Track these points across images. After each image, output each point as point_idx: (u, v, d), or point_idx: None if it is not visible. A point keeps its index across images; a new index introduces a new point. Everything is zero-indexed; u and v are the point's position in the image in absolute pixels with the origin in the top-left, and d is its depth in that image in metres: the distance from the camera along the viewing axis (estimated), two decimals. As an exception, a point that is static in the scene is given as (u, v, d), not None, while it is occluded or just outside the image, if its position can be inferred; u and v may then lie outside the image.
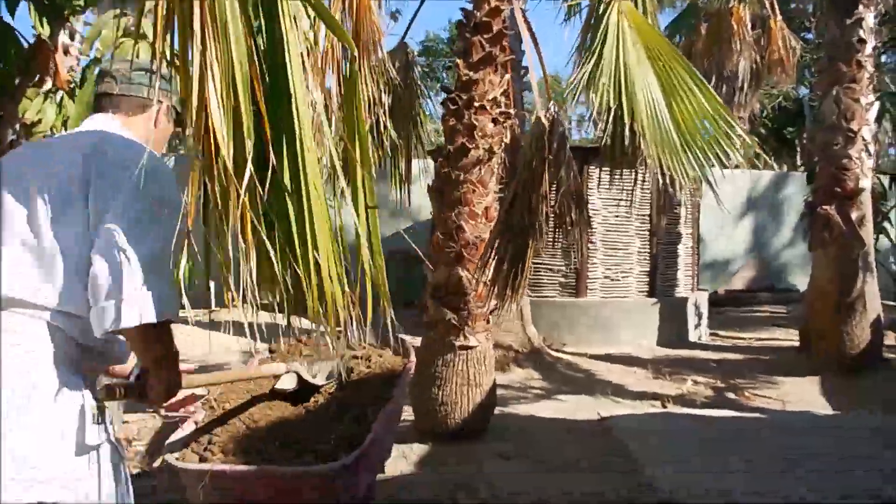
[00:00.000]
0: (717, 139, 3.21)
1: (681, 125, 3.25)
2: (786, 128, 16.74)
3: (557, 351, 7.38)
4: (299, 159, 1.34)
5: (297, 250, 1.34)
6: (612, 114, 3.39)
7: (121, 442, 1.70)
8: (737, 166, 3.54)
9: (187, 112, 1.21)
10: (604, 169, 6.43)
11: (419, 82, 4.30)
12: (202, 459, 2.37)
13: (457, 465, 3.83)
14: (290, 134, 1.27)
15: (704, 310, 8.63)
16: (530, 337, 7.14)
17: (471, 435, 4.14)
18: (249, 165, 1.22)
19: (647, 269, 8.10)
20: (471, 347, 4.06)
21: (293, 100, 1.26)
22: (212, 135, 1.11)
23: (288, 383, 2.55)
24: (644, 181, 4.30)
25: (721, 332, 8.76)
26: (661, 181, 3.69)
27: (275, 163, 1.21)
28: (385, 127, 3.09)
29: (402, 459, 4.00)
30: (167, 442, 2.43)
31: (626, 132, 3.30)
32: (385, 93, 2.88)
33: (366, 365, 3.06)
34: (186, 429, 2.49)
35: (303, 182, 1.36)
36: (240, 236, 1.32)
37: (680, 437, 4.38)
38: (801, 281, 12.14)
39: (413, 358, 3.11)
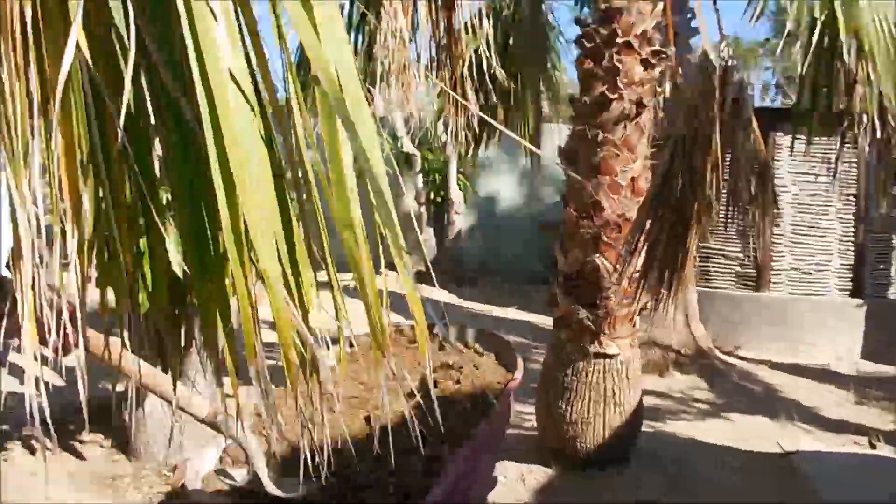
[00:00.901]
0: None
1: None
2: None
3: (730, 355, 6.18)
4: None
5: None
6: (818, 32, 2.35)
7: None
8: None
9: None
10: (798, 136, 5.18)
11: (550, 13, 3.48)
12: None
13: (584, 506, 3.03)
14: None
15: (928, 314, 6.88)
16: (696, 336, 6.03)
17: (606, 463, 3.30)
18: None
19: (851, 262, 6.56)
20: (609, 356, 3.21)
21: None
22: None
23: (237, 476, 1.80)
24: (854, 145, 3.16)
25: (951, 344, 6.95)
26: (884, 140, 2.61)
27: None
28: (493, 70, 2.34)
29: (519, 484, 3.27)
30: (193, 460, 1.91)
31: (844, 56, 2.24)
32: (488, 20, 2.13)
33: (455, 378, 2.38)
34: (215, 450, 1.96)
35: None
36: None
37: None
38: None
39: (519, 375, 2.37)
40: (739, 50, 11.70)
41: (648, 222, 2.93)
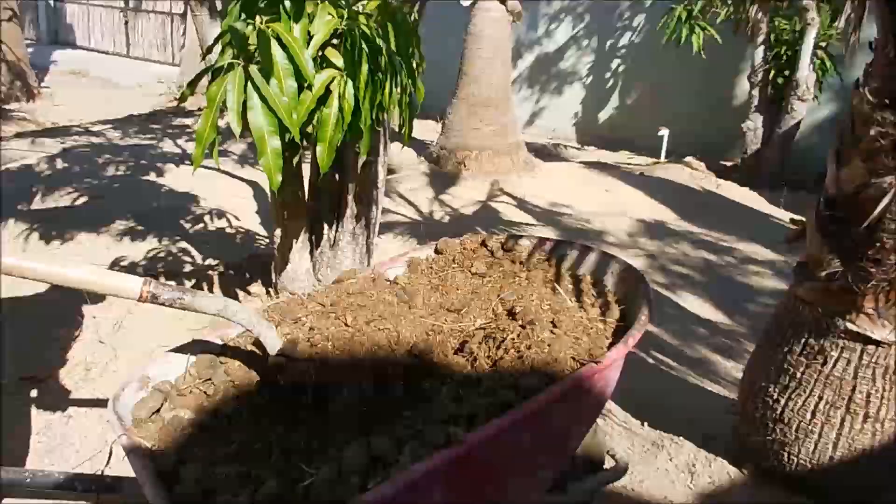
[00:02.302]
0: None
1: None
2: None
3: None
4: None
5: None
6: None
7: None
8: None
9: None
10: None
11: None
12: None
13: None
14: None
15: None
16: None
17: (825, 497, 2.13)
18: None
19: None
20: (871, 342, 1.94)
21: None
22: None
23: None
24: None
25: None
26: None
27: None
28: None
29: (684, 476, 2.33)
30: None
31: None
32: None
33: (527, 338, 1.51)
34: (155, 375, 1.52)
35: None
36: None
37: None
38: None
39: (609, 358, 1.42)
40: None
41: None
